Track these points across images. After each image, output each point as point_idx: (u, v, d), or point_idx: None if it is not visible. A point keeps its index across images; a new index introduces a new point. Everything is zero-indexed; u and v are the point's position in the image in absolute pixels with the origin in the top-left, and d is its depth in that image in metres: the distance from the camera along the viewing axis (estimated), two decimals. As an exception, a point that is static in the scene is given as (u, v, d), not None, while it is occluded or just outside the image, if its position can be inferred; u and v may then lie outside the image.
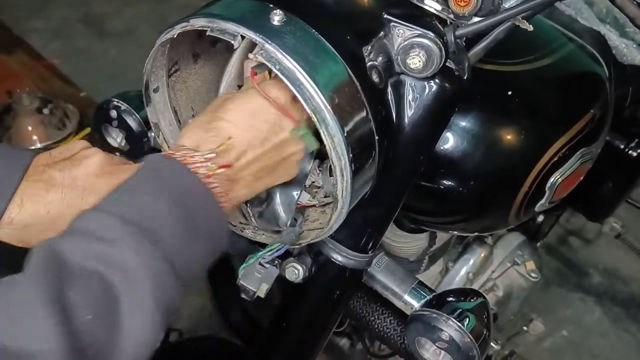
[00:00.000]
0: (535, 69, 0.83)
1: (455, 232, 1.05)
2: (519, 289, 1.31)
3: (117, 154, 0.94)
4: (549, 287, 1.88)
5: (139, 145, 0.87)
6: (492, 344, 1.33)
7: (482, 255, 1.24)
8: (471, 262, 1.23)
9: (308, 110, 0.52)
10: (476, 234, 1.16)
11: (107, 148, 0.93)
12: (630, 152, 1.28)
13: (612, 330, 1.78)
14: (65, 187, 0.54)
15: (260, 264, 0.69)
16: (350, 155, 0.54)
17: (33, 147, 1.72)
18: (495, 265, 1.28)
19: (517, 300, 1.32)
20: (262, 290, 0.68)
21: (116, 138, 0.92)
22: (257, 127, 0.54)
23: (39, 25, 2.32)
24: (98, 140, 0.95)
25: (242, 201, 0.57)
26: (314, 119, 0.52)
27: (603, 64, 0.99)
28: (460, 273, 1.24)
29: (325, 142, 0.53)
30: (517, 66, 0.83)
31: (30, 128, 1.70)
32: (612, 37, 1.14)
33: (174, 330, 1.09)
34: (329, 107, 0.52)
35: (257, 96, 0.55)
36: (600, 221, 1.55)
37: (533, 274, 1.28)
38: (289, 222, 0.66)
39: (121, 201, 0.46)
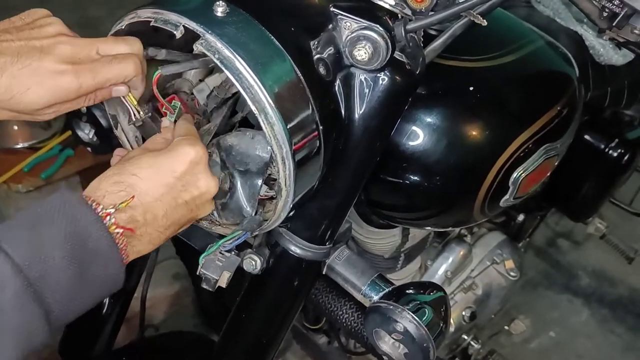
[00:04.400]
0: (498, 65, 0.84)
1: (425, 228, 1.06)
2: (498, 288, 1.31)
3: (89, 149, 0.95)
4: (537, 289, 1.88)
5: (108, 140, 0.88)
6: (472, 342, 1.34)
7: (461, 253, 1.24)
8: (450, 260, 1.24)
9: (247, 100, 0.53)
10: (450, 229, 1.16)
11: (80, 142, 0.95)
12: (610, 152, 1.29)
13: (599, 332, 1.78)
14: (22, 47, 0.53)
15: (221, 252, 0.68)
16: (292, 144, 0.55)
17: (17, 146, 1.74)
18: (475, 264, 1.28)
19: (496, 299, 1.32)
20: (223, 279, 0.68)
21: (88, 133, 0.93)
22: (168, 184, 0.54)
23: (34, 28, 2.35)
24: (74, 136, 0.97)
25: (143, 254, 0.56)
26: (253, 108, 0.53)
27: (574, 63, 1.00)
28: (439, 272, 1.24)
29: (265, 131, 0.54)
30: (480, 62, 0.84)
31: (16, 128, 1.72)
32: (589, 37, 1.14)
33: (150, 326, 1.10)
34: (267, 96, 0.53)
35: (170, 155, 0.55)
36: (584, 221, 1.55)
37: (512, 273, 1.29)
38: (253, 212, 0.66)
39: (19, 238, 0.46)
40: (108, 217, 0.49)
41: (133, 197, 0.51)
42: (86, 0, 2.59)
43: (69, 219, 0.48)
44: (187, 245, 0.79)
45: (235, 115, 0.73)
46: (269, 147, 0.63)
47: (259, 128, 0.70)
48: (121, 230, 0.50)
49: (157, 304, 1.56)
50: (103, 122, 0.86)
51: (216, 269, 0.67)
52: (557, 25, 1.16)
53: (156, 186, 0.53)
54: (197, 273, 0.68)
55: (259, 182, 0.66)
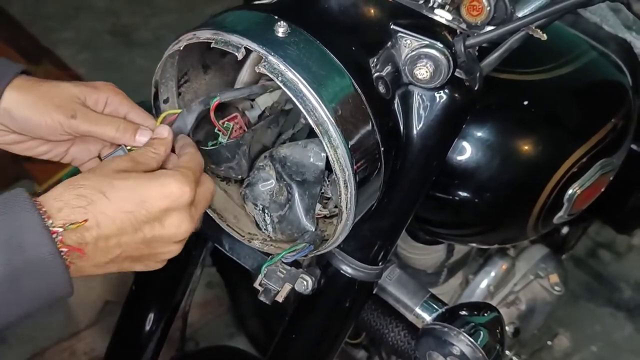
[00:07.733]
0: (553, 77, 0.82)
1: (472, 244, 1.03)
2: (542, 303, 1.28)
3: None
4: (578, 302, 1.82)
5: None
6: (514, 358, 1.30)
7: (504, 267, 1.21)
8: (492, 274, 1.21)
9: (311, 122, 0.52)
10: (495, 246, 1.14)
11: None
12: (661, 161, 1.24)
13: (644, 347, 1.73)
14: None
15: (282, 264, 0.66)
16: (354, 167, 0.54)
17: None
18: (518, 278, 1.25)
19: (540, 315, 1.29)
20: (284, 291, 0.66)
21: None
22: (135, 216, 0.50)
23: (68, 36, 2.38)
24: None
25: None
26: (317, 131, 0.52)
27: (626, 72, 0.97)
28: (481, 286, 1.21)
29: (328, 154, 0.53)
30: (534, 75, 0.82)
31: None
32: (639, 45, 1.11)
33: (190, 340, 1.10)
34: (331, 119, 0.52)
35: (150, 186, 0.51)
36: (629, 233, 1.50)
37: (557, 288, 1.25)
38: (313, 225, 0.65)
39: None
40: (55, 235, 0.46)
41: (86, 220, 0.48)
42: (120, 7, 2.60)
43: (11, 225, 0.45)
44: (225, 257, 0.77)
45: (285, 132, 0.72)
46: (323, 154, 0.62)
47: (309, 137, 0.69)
48: (67, 250, 0.47)
49: (190, 313, 1.56)
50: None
51: (278, 280, 0.66)
52: (605, 32, 1.13)
53: (120, 212, 0.49)
54: (258, 283, 0.67)
55: (317, 190, 0.64)
